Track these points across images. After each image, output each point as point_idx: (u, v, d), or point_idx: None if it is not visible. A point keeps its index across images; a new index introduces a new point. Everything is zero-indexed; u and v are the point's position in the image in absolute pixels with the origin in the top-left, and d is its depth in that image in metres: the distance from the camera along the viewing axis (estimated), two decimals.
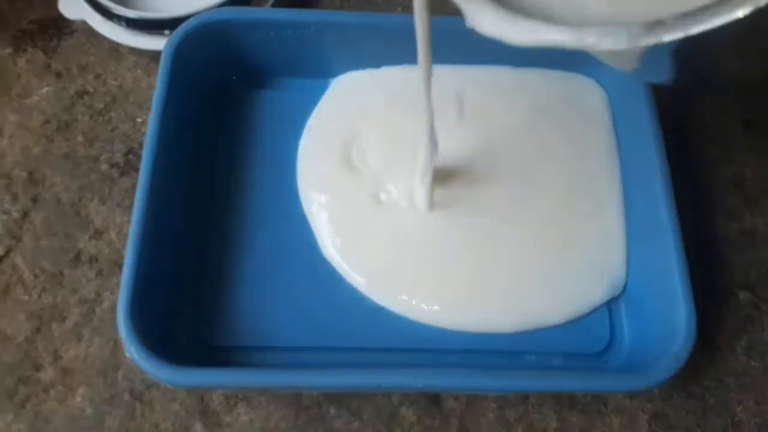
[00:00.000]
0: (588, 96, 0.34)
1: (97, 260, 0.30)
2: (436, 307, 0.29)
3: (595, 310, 0.29)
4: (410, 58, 0.33)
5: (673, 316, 0.26)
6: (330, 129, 0.33)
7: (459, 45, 0.32)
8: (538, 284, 0.29)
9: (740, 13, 0.15)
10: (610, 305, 0.30)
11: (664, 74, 0.26)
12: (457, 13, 0.41)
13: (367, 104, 0.33)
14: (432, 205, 0.31)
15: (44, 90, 0.34)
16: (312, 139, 0.32)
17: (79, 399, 0.28)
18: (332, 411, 0.28)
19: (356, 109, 0.33)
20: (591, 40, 0.17)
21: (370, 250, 0.30)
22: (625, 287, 0.29)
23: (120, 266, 0.27)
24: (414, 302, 0.29)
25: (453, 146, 0.32)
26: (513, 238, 0.30)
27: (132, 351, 0.24)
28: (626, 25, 0.17)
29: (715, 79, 0.28)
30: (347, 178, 0.31)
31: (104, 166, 0.33)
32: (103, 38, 0.34)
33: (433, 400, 0.28)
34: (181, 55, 0.30)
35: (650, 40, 0.17)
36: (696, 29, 0.16)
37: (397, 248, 0.30)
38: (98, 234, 0.31)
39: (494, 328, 0.29)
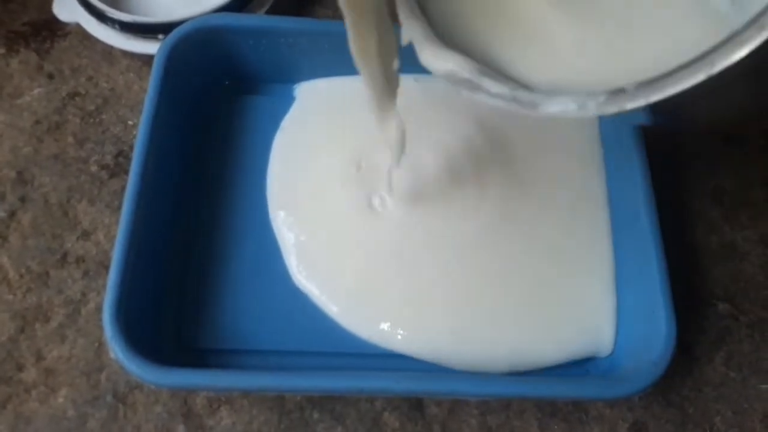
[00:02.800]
0: None
1: (83, 261, 0.30)
2: (414, 345, 0.28)
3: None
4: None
5: (653, 325, 0.26)
6: (297, 140, 0.32)
7: None
8: (526, 324, 0.29)
9: (698, 79, 0.16)
10: None
11: (644, 117, 0.26)
12: None
13: (341, 113, 0.33)
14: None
15: (36, 91, 0.35)
16: (279, 151, 0.32)
17: (61, 400, 0.27)
18: (315, 415, 0.28)
19: (327, 118, 0.33)
20: (556, 109, 0.18)
21: (343, 275, 0.29)
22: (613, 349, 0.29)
23: (107, 267, 0.27)
24: (389, 333, 0.28)
25: (438, 161, 0.32)
26: (497, 266, 0.30)
27: (116, 351, 0.24)
28: (588, 93, 0.18)
29: (693, 121, 0.28)
30: (315, 192, 0.31)
31: (94, 168, 0.33)
32: (97, 41, 0.34)
33: (415, 405, 0.28)
34: (173, 59, 0.30)
35: (613, 109, 0.17)
36: (656, 97, 0.17)
37: (372, 275, 0.29)
38: (86, 235, 0.31)
39: (478, 368, 0.28)
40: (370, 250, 0.30)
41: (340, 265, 0.29)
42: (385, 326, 0.28)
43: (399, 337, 0.28)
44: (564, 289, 0.29)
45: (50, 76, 0.35)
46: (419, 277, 0.29)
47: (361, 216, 0.30)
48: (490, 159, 0.32)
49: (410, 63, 0.33)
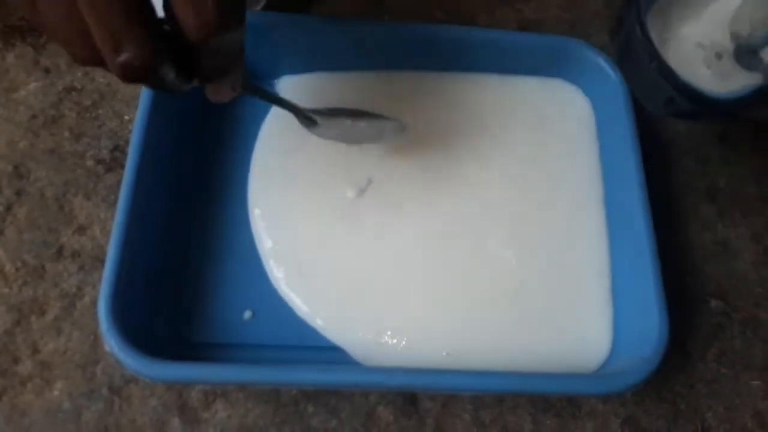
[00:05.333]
0: (572, 103, 0.34)
1: (79, 255, 0.30)
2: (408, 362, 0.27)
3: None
4: (390, 64, 0.34)
5: (646, 322, 0.27)
6: (277, 136, 0.32)
7: (445, 52, 0.33)
8: (523, 342, 0.28)
9: None
10: None
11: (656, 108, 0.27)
12: (442, 21, 0.41)
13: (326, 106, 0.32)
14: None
15: (32, 85, 0.35)
16: (260, 146, 0.32)
17: (56, 393, 0.28)
18: (310, 409, 0.28)
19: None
20: None
21: (326, 287, 0.28)
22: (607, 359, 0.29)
23: (102, 262, 0.27)
24: (380, 351, 0.27)
25: (435, 154, 0.32)
26: (494, 272, 0.29)
27: (111, 344, 0.24)
28: None
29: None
30: (295, 195, 0.30)
31: (90, 162, 0.33)
32: None
33: (409, 400, 0.28)
34: None
35: None
36: None
37: (357, 287, 0.28)
38: (82, 229, 0.31)
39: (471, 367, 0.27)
40: (353, 259, 0.29)
41: (322, 277, 0.29)
42: (373, 344, 0.28)
43: (390, 355, 0.28)
44: (562, 306, 0.29)
45: (46, 71, 0.35)
46: (411, 288, 0.29)
47: (344, 220, 0.30)
48: (491, 159, 0.32)
49: (405, 58, 0.33)
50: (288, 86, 0.33)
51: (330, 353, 0.28)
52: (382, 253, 0.30)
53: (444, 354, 0.28)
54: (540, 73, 0.34)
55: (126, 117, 0.34)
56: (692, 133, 0.36)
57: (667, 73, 0.26)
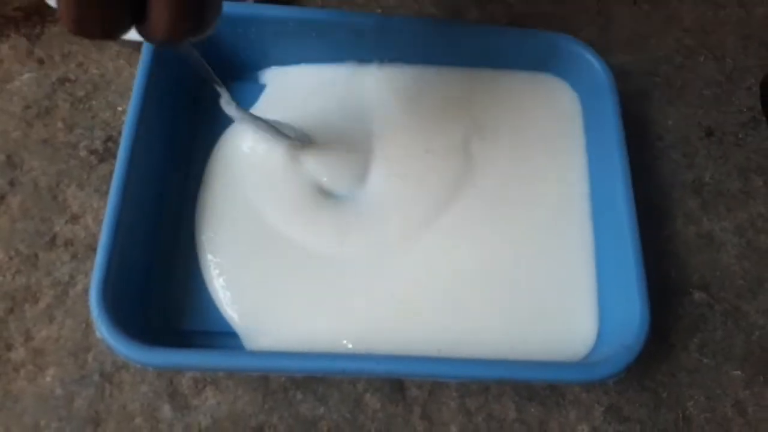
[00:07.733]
0: (560, 98, 0.35)
1: (72, 244, 0.31)
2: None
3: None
4: (380, 57, 0.34)
5: (629, 312, 0.27)
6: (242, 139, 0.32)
7: (435, 46, 0.33)
8: (509, 338, 0.29)
9: None
10: None
11: None
12: (432, 15, 0.42)
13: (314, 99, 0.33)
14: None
15: (26, 76, 0.35)
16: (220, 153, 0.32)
17: (48, 379, 0.28)
18: (298, 396, 0.28)
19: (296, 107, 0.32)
20: None
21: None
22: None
23: (95, 251, 0.28)
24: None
25: (421, 146, 0.32)
26: (479, 267, 0.30)
27: (101, 329, 0.24)
28: None
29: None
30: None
31: (83, 153, 0.33)
32: None
33: (396, 388, 0.29)
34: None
35: None
36: None
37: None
38: (75, 219, 0.31)
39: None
40: (326, 259, 0.29)
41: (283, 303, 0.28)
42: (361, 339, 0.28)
43: (382, 348, 0.28)
44: (547, 297, 0.30)
45: (40, 62, 0.35)
46: (399, 286, 0.29)
47: (316, 213, 0.30)
48: (478, 152, 0.33)
49: (395, 51, 0.33)
50: (275, 78, 0.34)
51: None
52: (368, 245, 0.30)
53: (437, 350, 0.28)
54: (529, 67, 0.35)
55: (119, 108, 0.34)
56: (678, 128, 0.36)
57: None
